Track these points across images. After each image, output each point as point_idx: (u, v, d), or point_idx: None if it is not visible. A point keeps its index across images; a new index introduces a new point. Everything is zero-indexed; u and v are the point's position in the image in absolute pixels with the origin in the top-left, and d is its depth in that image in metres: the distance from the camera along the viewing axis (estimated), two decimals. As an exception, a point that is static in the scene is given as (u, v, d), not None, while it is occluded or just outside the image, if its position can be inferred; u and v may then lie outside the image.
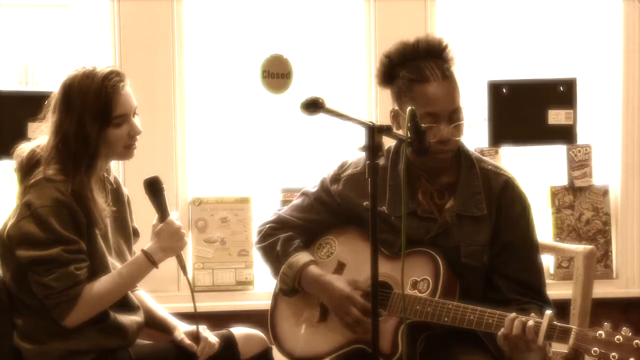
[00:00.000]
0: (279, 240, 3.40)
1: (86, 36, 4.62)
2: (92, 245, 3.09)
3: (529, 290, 3.20)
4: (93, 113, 3.07)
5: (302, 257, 3.34)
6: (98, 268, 3.10)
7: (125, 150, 3.16)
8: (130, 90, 3.15)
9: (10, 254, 3.06)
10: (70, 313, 3.04)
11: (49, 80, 4.58)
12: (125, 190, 3.35)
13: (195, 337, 3.24)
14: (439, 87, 3.14)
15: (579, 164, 4.67)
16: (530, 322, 2.91)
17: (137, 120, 3.16)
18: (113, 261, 3.17)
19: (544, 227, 4.57)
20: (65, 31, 4.65)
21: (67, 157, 3.08)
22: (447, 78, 3.17)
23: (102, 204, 3.12)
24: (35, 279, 3.02)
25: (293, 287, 3.34)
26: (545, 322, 2.90)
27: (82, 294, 3.05)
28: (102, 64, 3.17)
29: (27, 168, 3.12)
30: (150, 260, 3.12)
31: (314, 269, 3.32)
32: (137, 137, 3.16)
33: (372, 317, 2.75)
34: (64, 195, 3.03)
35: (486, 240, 3.22)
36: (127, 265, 3.15)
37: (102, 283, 3.09)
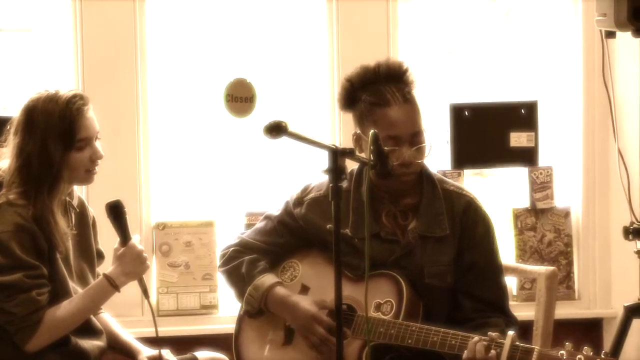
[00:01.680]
0: (244, 262, 3.39)
1: (49, 61, 4.61)
2: (54, 269, 3.08)
3: (493, 309, 3.22)
4: (57, 135, 3.06)
5: (268, 279, 3.34)
6: (59, 292, 3.08)
7: (87, 175, 3.16)
8: (93, 115, 3.15)
9: (-29, 279, 3.04)
10: (32, 338, 3.02)
11: (12, 105, 4.56)
12: (92, 212, 3.33)
13: (159, 361, 3.23)
14: (400, 111, 3.16)
15: (541, 186, 4.71)
16: (493, 349, 2.92)
17: (98, 145, 3.16)
18: (74, 285, 3.15)
19: (506, 249, 4.59)
20: (28, 55, 4.64)
21: (29, 179, 3.06)
22: (408, 101, 3.19)
23: (64, 227, 3.10)
24: (-4, 304, 3.01)
25: (259, 309, 3.34)
26: (507, 342, 2.92)
27: (44, 319, 3.03)
28: (65, 88, 3.17)
29: (-12, 192, 3.11)
30: (112, 285, 3.11)
31: (280, 290, 3.31)
32: (99, 161, 3.16)
33: (337, 341, 2.75)
34: (25, 220, 3.02)
35: (450, 260, 3.23)
36: (88, 289, 3.14)
37: (64, 308, 3.07)
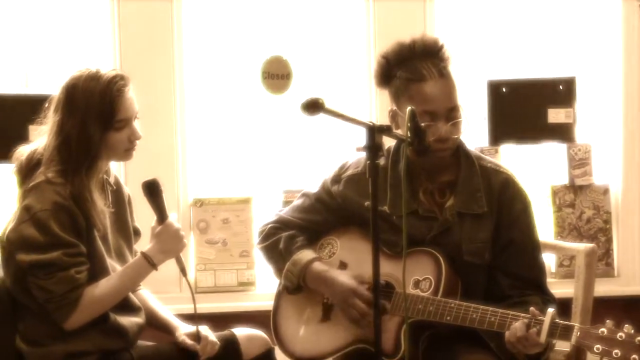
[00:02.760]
0: (282, 238, 3.40)
1: (87, 39, 4.62)
2: (92, 247, 3.10)
3: (531, 287, 3.21)
4: (96, 115, 3.07)
5: (307, 254, 3.34)
6: (98, 270, 3.11)
7: (125, 153, 3.17)
8: (134, 95, 3.16)
9: (10, 257, 3.06)
10: (71, 316, 3.04)
11: (49, 83, 4.58)
12: (127, 190, 3.35)
13: (196, 337, 3.23)
14: (435, 86, 3.15)
15: (579, 162, 4.68)
16: (532, 326, 2.91)
17: (137, 125, 3.17)
18: (113, 263, 3.17)
19: (545, 226, 4.57)
20: (66, 34, 4.66)
21: (68, 158, 3.08)
22: (444, 76, 3.17)
23: (102, 205, 3.12)
24: (36, 282, 3.03)
25: (298, 284, 3.34)
26: (547, 320, 2.90)
27: (83, 296, 3.05)
28: (105, 68, 3.17)
29: (27, 170, 3.12)
30: (150, 263, 3.12)
31: (318, 265, 3.32)
32: (137, 141, 3.17)
33: (374, 318, 2.76)
34: (64, 198, 3.03)
35: (488, 237, 3.22)
36: (126, 267, 3.16)
37: (102, 285, 3.10)
